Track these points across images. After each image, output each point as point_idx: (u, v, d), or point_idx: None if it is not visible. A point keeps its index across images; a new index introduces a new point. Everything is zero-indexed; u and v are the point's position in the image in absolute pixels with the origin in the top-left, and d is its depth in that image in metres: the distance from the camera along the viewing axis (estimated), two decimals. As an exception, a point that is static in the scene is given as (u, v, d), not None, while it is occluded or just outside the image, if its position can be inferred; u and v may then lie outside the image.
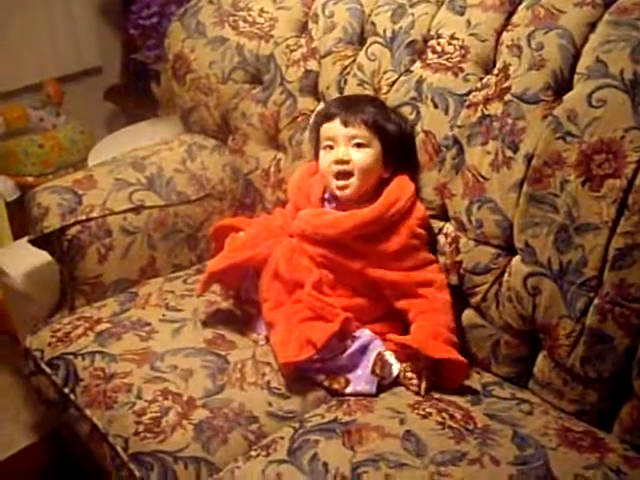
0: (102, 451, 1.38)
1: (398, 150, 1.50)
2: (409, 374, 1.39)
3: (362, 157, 1.47)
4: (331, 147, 1.50)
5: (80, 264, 1.65)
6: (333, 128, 1.49)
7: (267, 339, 1.49)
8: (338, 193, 1.50)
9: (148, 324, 1.54)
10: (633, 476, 1.21)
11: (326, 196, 1.55)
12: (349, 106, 1.50)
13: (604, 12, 1.34)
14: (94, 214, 1.66)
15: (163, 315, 1.57)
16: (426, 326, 1.42)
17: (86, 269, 1.66)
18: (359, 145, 1.48)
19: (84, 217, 1.65)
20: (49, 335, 1.57)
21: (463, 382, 1.41)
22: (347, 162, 1.47)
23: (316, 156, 1.58)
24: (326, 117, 1.52)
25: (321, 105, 1.71)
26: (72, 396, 1.45)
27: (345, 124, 1.48)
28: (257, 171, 1.85)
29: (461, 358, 1.39)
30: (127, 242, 1.69)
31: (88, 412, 1.41)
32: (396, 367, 1.41)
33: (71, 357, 1.49)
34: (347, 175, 1.48)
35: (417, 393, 1.38)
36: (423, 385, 1.38)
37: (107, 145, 2.49)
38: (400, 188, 1.49)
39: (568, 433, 1.29)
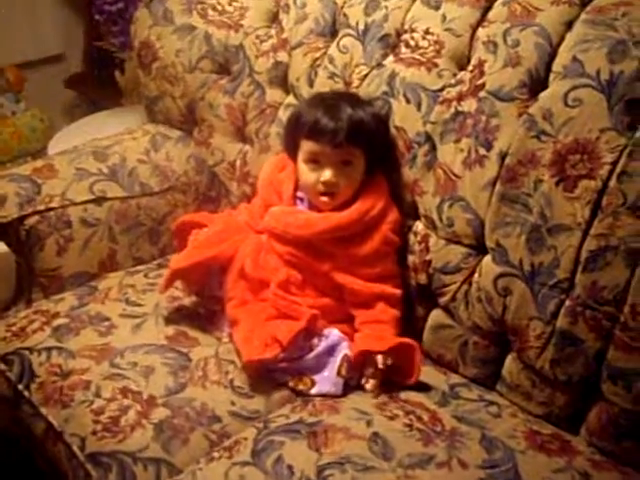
0: (58, 451, 1.34)
1: (377, 149, 1.47)
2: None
3: (349, 175, 1.45)
4: (315, 162, 1.45)
5: (38, 256, 1.62)
6: (320, 148, 1.43)
7: (231, 337, 1.45)
8: (322, 205, 1.47)
9: (107, 319, 1.50)
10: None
11: (298, 194, 1.51)
12: (335, 120, 1.41)
13: (581, 11, 1.33)
14: (53, 204, 1.63)
15: (123, 310, 1.53)
16: (369, 334, 1.40)
17: (44, 261, 1.62)
18: (345, 163, 1.44)
19: (43, 207, 1.61)
20: (4, 329, 1.52)
21: (420, 367, 1.37)
22: (334, 184, 1.44)
23: (288, 154, 1.54)
24: (312, 133, 1.44)
25: (290, 98, 1.68)
26: (26, 393, 1.40)
27: (334, 146, 1.42)
28: (223, 164, 1.81)
29: (409, 341, 1.37)
30: (87, 234, 1.65)
31: (43, 410, 1.36)
32: None
33: (26, 352, 1.44)
34: (333, 192, 1.45)
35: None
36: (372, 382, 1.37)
37: (68, 134, 2.46)
38: (376, 191, 1.46)
39: (536, 436, 1.29)
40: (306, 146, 1.46)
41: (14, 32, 2.77)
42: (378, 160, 1.48)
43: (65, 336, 1.46)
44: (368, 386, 1.37)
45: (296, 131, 1.50)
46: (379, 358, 1.35)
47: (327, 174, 1.43)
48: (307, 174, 1.46)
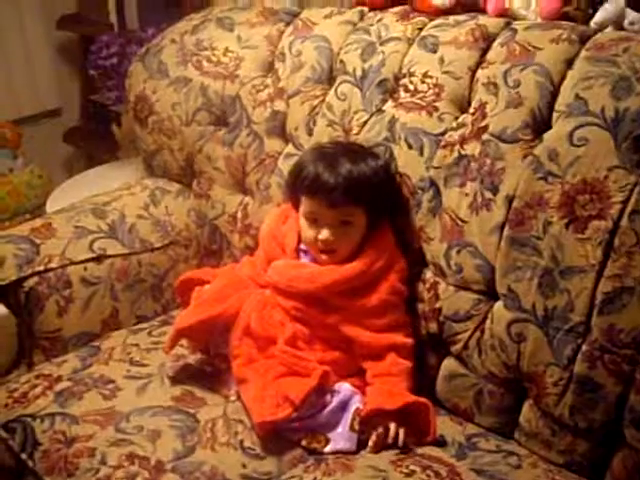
0: (63, 523, 1.29)
1: (380, 203, 1.44)
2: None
3: (348, 235, 1.42)
4: (314, 220, 1.43)
5: (38, 317, 1.58)
6: (318, 208, 1.41)
7: (239, 395, 1.41)
8: (322, 261, 1.44)
9: (112, 381, 1.46)
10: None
11: (302, 247, 1.48)
12: (333, 180, 1.39)
13: (581, 48, 1.33)
14: (53, 264, 1.59)
15: (127, 371, 1.49)
16: (380, 388, 1.37)
17: (45, 323, 1.59)
18: (344, 222, 1.42)
19: (42, 268, 1.58)
20: (5, 395, 1.47)
21: (435, 426, 1.33)
22: (333, 242, 1.42)
23: (292, 204, 1.51)
24: (310, 191, 1.43)
25: (290, 148, 1.65)
26: (30, 462, 1.35)
27: (331, 206, 1.40)
28: (223, 216, 1.78)
29: (423, 400, 1.34)
30: (88, 293, 1.62)
31: (48, 480, 1.32)
32: None
33: (29, 419, 1.40)
34: (333, 250, 1.43)
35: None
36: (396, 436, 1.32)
37: (66, 190, 2.45)
38: (381, 242, 1.44)
39: (560, 487, 1.25)
40: (305, 204, 1.44)
41: (9, 88, 2.77)
42: (382, 212, 1.45)
43: (68, 401, 1.41)
44: (370, 442, 1.32)
45: (296, 185, 1.48)
46: (391, 429, 1.31)
47: (325, 233, 1.41)
48: (307, 230, 1.45)
